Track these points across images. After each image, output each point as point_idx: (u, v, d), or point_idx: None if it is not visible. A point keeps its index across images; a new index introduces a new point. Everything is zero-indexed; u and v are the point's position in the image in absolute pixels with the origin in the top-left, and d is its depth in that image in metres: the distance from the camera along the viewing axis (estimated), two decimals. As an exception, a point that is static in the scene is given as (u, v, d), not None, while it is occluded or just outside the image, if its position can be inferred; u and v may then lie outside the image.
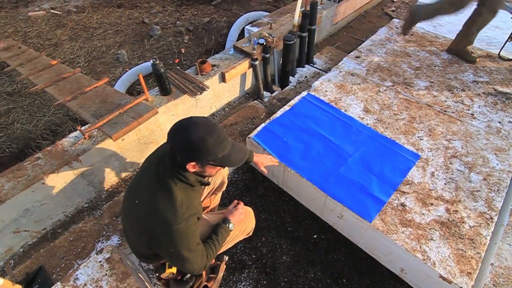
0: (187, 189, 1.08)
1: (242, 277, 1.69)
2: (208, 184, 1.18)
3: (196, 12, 4.33)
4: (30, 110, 2.91)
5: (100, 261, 1.46)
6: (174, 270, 1.24)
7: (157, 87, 1.98)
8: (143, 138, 1.92)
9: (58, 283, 1.36)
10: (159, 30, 3.90)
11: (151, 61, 1.79)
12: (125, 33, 3.96)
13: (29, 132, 2.67)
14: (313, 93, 2.32)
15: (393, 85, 2.45)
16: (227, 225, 1.32)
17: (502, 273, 1.43)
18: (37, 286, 1.48)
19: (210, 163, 1.06)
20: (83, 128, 1.74)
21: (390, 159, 1.91)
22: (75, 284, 1.37)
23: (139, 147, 1.94)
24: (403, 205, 1.69)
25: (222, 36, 3.79)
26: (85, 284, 1.39)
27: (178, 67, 2.21)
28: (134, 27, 4.05)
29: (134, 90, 3.11)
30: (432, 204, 1.70)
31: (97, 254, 1.49)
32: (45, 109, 2.92)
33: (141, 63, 3.30)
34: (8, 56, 3.00)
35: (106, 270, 1.43)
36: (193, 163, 1.03)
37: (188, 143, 0.99)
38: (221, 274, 1.53)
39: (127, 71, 3.18)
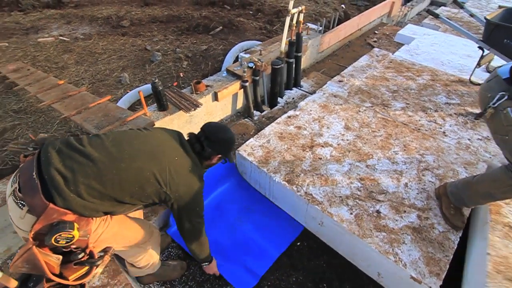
0: None
1: (227, 281, 1.77)
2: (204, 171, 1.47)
3: (195, 41, 4.67)
4: (34, 126, 3.07)
5: (94, 260, 1.56)
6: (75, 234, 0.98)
7: (155, 104, 2.18)
8: (139, 150, 2.08)
9: (53, 279, 1.46)
10: (160, 56, 4.19)
11: (152, 80, 2.00)
12: (128, 58, 4.25)
13: (32, 146, 2.82)
14: (298, 112, 2.53)
15: (372, 106, 2.67)
16: (206, 262, 1.60)
17: (501, 262, 1.50)
18: (31, 284, 1.56)
19: (225, 157, 1.43)
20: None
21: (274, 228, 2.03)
22: (69, 280, 1.47)
23: (135, 158, 2.09)
24: (378, 212, 1.83)
25: (218, 62, 4.08)
26: (78, 280, 1.48)
27: (172, 88, 2.43)
28: (137, 53, 4.35)
29: (133, 110, 3.31)
30: (405, 211, 1.84)
31: (91, 253, 1.59)
32: (48, 125, 3.09)
33: (142, 85, 3.54)
34: (17, 77, 3.23)
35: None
36: (220, 156, 1.40)
37: (228, 141, 1.40)
38: (102, 266, 1.43)
39: (127, 92, 3.41)
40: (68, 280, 1.00)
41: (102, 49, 4.45)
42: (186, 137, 1.36)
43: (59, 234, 0.92)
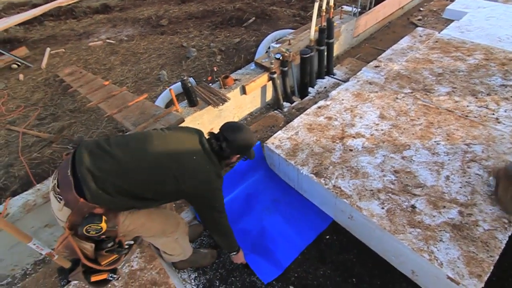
0: None
1: (255, 270, 1.83)
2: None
3: (228, 34, 4.72)
4: (87, 124, 3.42)
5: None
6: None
7: (186, 100, 2.28)
8: (173, 144, 2.20)
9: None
10: (195, 52, 4.33)
11: (181, 78, 2.10)
12: (166, 56, 4.47)
13: (85, 142, 3.14)
14: (329, 102, 2.44)
15: (412, 92, 2.47)
16: (233, 252, 1.66)
17: None
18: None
19: (244, 156, 1.48)
20: (124, 135, 2.08)
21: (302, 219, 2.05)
22: (112, 263, 1.64)
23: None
24: (413, 206, 1.71)
25: (250, 54, 4.09)
26: (120, 263, 1.65)
27: (205, 83, 2.51)
28: (174, 51, 4.55)
29: (172, 104, 3.50)
30: (444, 207, 1.70)
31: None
32: (98, 123, 3.42)
33: (178, 81, 3.71)
34: (72, 80, 3.60)
35: (137, 253, 1.69)
36: (238, 156, 1.45)
37: (245, 142, 1.41)
38: (130, 254, 1.55)
39: (166, 89, 3.60)
40: (101, 265, 1.12)
41: (143, 48, 4.74)
42: (206, 136, 1.41)
43: (89, 225, 1.04)
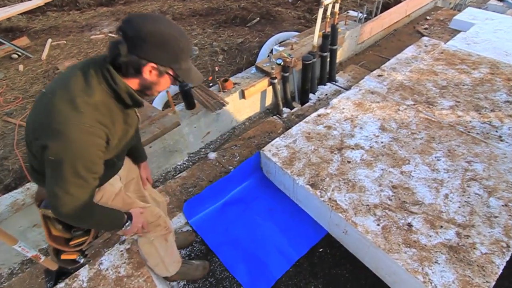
0: (110, 97, 0.89)
1: (245, 281, 1.79)
2: (141, 105, 0.95)
3: (232, 34, 4.66)
4: (84, 119, 3.38)
5: (122, 251, 1.69)
6: None
7: (183, 102, 2.23)
8: (168, 147, 2.16)
9: (86, 265, 1.61)
10: (197, 50, 4.28)
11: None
12: (168, 53, 4.41)
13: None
14: (329, 110, 2.40)
15: (414, 104, 2.42)
16: (126, 223, 1.12)
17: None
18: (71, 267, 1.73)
19: (170, 72, 0.89)
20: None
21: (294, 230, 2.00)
22: (99, 268, 1.61)
23: (164, 155, 2.18)
24: (409, 225, 1.67)
25: (253, 55, 4.04)
26: (107, 269, 1.62)
27: (206, 83, 2.46)
28: (176, 48, 4.49)
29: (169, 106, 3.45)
30: (441, 226, 1.66)
31: (120, 244, 1.72)
32: (95, 119, 3.38)
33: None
34: (71, 74, 3.56)
35: (125, 259, 1.65)
36: (154, 65, 0.85)
37: (161, 36, 0.82)
38: (100, 239, 1.40)
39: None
40: (68, 246, 1.13)
41: (145, 44, 4.69)
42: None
43: (41, 209, 1.02)
